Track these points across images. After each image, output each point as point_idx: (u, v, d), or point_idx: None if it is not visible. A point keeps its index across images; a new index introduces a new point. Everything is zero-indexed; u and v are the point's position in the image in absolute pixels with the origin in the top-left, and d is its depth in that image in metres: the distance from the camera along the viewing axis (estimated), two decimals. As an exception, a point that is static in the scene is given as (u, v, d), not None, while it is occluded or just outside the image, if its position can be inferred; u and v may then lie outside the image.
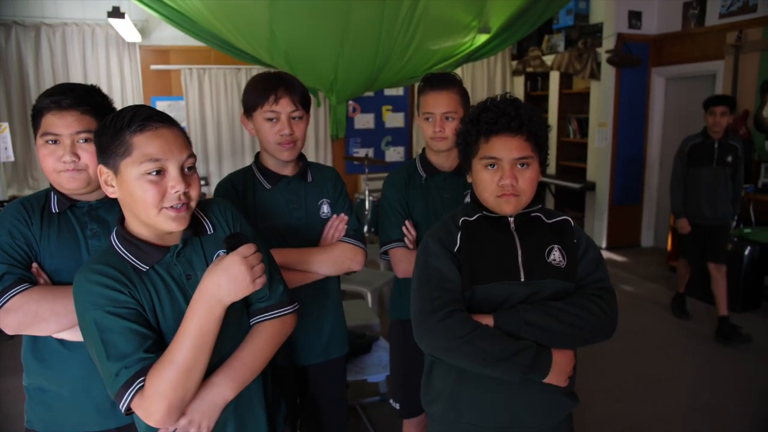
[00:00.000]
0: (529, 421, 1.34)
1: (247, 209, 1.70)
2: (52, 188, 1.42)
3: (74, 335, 1.34)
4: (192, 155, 1.15)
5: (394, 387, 2.12)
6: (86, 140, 1.36)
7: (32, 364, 1.39)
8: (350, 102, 6.39)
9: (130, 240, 1.16)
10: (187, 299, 1.15)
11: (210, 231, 1.25)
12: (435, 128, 1.86)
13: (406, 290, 1.62)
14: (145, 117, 1.10)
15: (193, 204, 1.15)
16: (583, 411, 2.89)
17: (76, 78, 5.81)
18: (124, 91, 6.14)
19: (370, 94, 6.37)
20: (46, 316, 1.27)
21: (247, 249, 1.12)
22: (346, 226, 1.78)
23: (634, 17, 5.89)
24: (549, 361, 1.25)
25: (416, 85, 7.03)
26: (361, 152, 7.20)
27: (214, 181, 6.63)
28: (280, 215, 1.74)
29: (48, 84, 5.66)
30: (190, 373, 1.08)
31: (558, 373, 1.28)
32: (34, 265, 1.33)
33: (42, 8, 5.72)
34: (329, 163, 7.06)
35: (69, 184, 1.36)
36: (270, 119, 1.67)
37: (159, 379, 1.06)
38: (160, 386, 1.05)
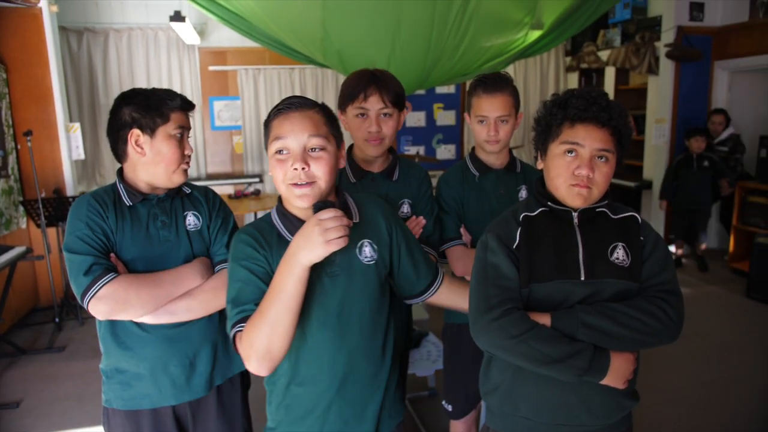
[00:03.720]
0: (586, 420, 1.31)
1: None
2: (118, 182, 1.50)
3: (154, 318, 1.44)
4: (317, 135, 1.24)
5: (448, 389, 2.13)
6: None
7: (112, 347, 1.48)
8: (401, 100, 6.41)
9: (286, 214, 1.30)
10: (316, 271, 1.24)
11: (356, 220, 1.33)
12: (489, 132, 1.85)
13: None
14: (286, 104, 1.26)
15: (321, 183, 1.23)
16: (636, 415, 2.84)
17: (140, 80, 6.08)
18: (183, 91, 6.34)
19: (422, 92, 6.38)
20: (133, 302, 1.37)
21: (324, 213, 1.16)
22: (421, 230, 1.79)
23: (696, 9, 5.66)
24: (606, 364, 1.23)
25: (467, 83, 7.01)
26: (412, 150, 7.22)
27: (269, 179, 6.80)
28: None
29: (115, 86, 5.97)
30: (274, 326, 1.15)
31: (616, 377, 1.25)
32: (112, 255, 1.42)
33: (110, 15, 6.02)
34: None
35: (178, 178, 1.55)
36: (359, 115, 1.71)
37: (249, 326, 1.18)
38: (250, 332, 1.17)
